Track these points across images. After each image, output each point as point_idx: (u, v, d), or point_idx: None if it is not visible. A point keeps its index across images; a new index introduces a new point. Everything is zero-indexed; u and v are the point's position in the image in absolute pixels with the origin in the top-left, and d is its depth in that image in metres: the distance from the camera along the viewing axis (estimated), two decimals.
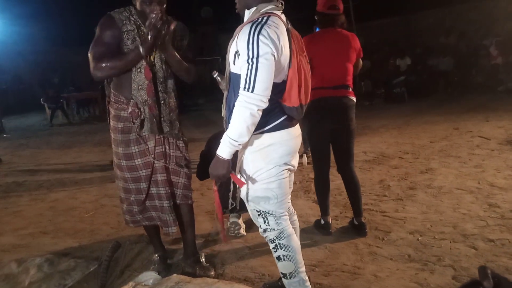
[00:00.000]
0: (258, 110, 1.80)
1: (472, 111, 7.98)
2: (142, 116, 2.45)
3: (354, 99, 3.11)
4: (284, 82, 1.91)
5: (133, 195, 2.57)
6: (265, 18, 1.81)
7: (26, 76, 16.90)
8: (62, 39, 17.13)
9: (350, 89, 3.09)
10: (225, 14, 15.37)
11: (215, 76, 2.24)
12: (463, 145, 5.48)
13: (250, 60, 1.75)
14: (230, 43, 1.91)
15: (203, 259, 2.79)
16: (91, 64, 2.36)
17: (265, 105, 1.80)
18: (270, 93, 1.81)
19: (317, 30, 3.23)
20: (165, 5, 2.38)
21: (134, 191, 2.56)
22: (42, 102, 12.73)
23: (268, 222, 2.02)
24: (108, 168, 6.00)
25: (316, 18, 3.13)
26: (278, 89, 1.89)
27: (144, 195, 2.56)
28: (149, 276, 2.48)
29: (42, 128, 12.06)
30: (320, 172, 3.18)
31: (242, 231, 3.22)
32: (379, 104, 10.80)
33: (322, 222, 3.19)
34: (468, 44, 11.70)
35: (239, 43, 1.81)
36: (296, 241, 2.09)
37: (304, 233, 3.20)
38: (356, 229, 3.14)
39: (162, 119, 2.49)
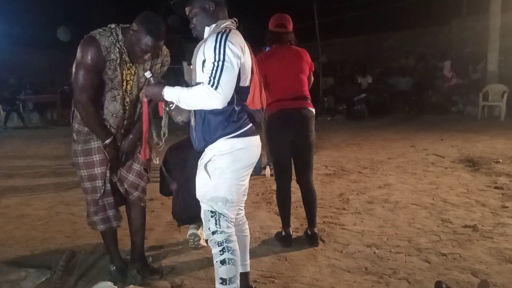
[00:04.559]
0: (213, 108, 1.95)
1: (427, 130, 8.33)
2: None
3: (313, 110, 3.17)
4: (248, 87, 2.08)
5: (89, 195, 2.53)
6: (227, 29, 1.99)
7: None
8: (21, 39, 16.48)
9: (309, 100, 3.16)
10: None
11: (148, 76, 2.23)
12: (419, 162, 5.69)
13: (216, 62, 1.89)
14: (194, 57, 2.06)
15: (150, 260, 2.84)
16: (76, 91, 2.33)
17: (221, 106, 1.93)
18: (230, 97, 1.93)
19: (267, 49, 3.34)
20: (161, 47, 2.38)
21: (87, 178, 2.50)
22: None
23: (219, 224, 2.09)
24: (64, 174, 5.82)
25: (266, 36, 3.25)
26: (244, 93, 2.07)
27: (99, 194, 2.51)
28: (105, 287, 2.41)
29: None
30: (282, 184, 3.21)
31: (202, 242, 3.19)
32: (340, 120, 11.07)
33: (283, 233, 3.21)
34: (426, 66, 12.24)
35: (206, 52, 1.95)
36: (238, 247, 2.17)
37: (264, 244, 3.22)
38: (309, 239, 3.19)
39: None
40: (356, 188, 4.62)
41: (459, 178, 4.78)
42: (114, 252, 2.75)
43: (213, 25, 2.05)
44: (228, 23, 2.06)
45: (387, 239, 3.20)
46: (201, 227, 3.26)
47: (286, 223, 3.22)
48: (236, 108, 2.04)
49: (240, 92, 2.04)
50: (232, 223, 2.15)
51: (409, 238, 3.20)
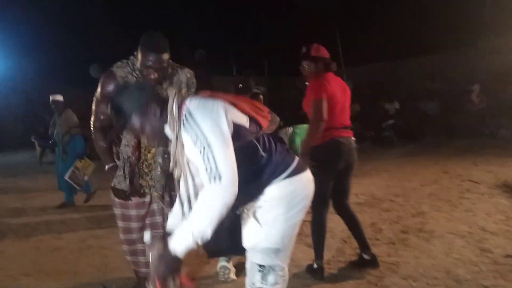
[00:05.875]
0: (231, 202, 1.56)
1: (460, 155, 8.10)
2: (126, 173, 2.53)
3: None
4: (254, 118, 1.77)
5: (121, 234, 2.56)
6: (181, 105, 1.67)
7: (18, 112, 16.79)
8: (55, 76, 17.21)
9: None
10: (218, 56, 15.64)
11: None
12: (453, 189, 5.51)
13: (202, 148, 1.55)
14: (187, 164, 1.76)
15: None
16: (92, 118, 2.55)
17: (235, 194, 1.56)
18: (237, 175, 1.57)
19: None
20: (166, 61, 2.33)
21: (122, 230, 2.54)
22: (32, 139, 12.63)
23: (266, 280, 1.77)
24: (95, 208, 5.91)
25: (313, 63, 3.18)
26: (256, 125, 1.78)
27: (134, 235, 2.53)
28: None
29: (31, 166, 11.90)
30: (321, 214, 3.14)
31: (232, 276, 3.14)
32: (369, 147, 10.91)
33: (315, 266, 3.12)
34: (452, 89, 12.01)
35: (187, 144, 1.64)
36: None
37: (295, 277, 3.14)
38: (369, 264, 3.14)
39: (140, 177, 2.55)
40: (389, 217, 4.49)
41: (496, 205, 4.59)
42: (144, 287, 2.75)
43: (168, 117, 1.68)
44: (172, 99, 1.68)
45: (424, 271, 3.07)
46: (231, 260, 3.22)
47: (319, 254, 3.12)
48: (265, 153, 1.74)
49: (251, 128, 1.75)
50: (282, 274, 1.80)
51: (447, 269, 3.06)
